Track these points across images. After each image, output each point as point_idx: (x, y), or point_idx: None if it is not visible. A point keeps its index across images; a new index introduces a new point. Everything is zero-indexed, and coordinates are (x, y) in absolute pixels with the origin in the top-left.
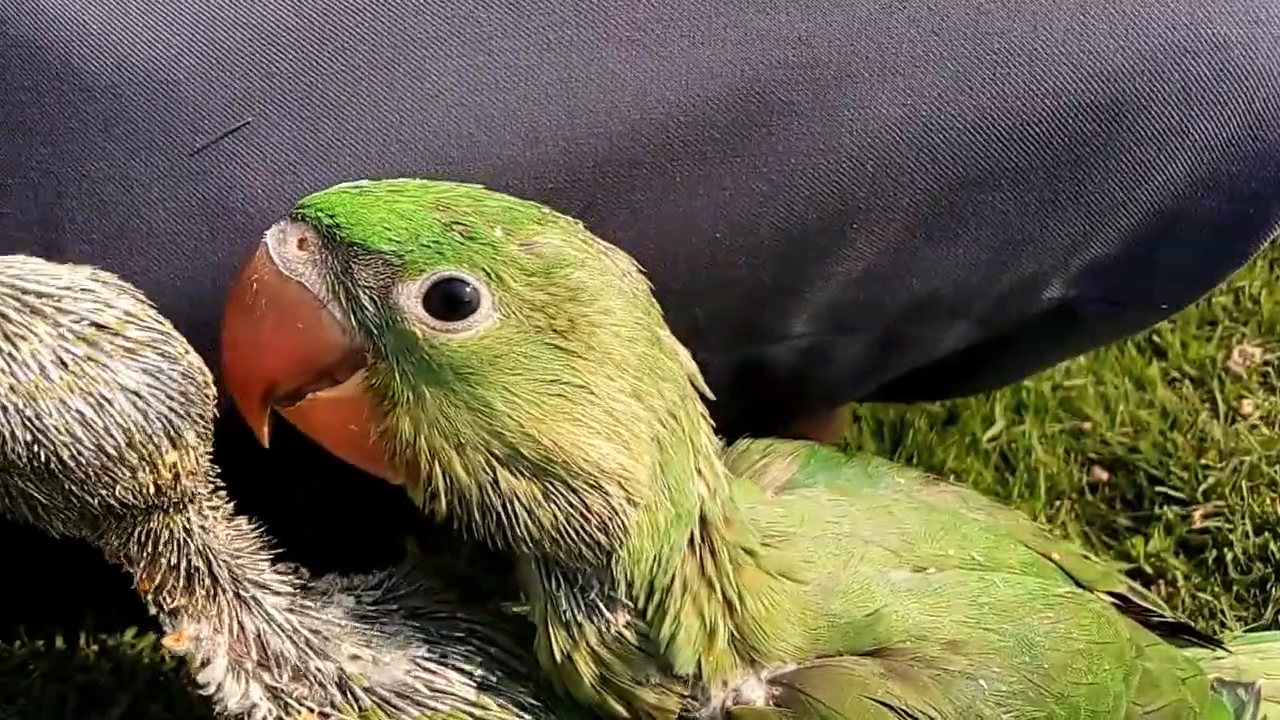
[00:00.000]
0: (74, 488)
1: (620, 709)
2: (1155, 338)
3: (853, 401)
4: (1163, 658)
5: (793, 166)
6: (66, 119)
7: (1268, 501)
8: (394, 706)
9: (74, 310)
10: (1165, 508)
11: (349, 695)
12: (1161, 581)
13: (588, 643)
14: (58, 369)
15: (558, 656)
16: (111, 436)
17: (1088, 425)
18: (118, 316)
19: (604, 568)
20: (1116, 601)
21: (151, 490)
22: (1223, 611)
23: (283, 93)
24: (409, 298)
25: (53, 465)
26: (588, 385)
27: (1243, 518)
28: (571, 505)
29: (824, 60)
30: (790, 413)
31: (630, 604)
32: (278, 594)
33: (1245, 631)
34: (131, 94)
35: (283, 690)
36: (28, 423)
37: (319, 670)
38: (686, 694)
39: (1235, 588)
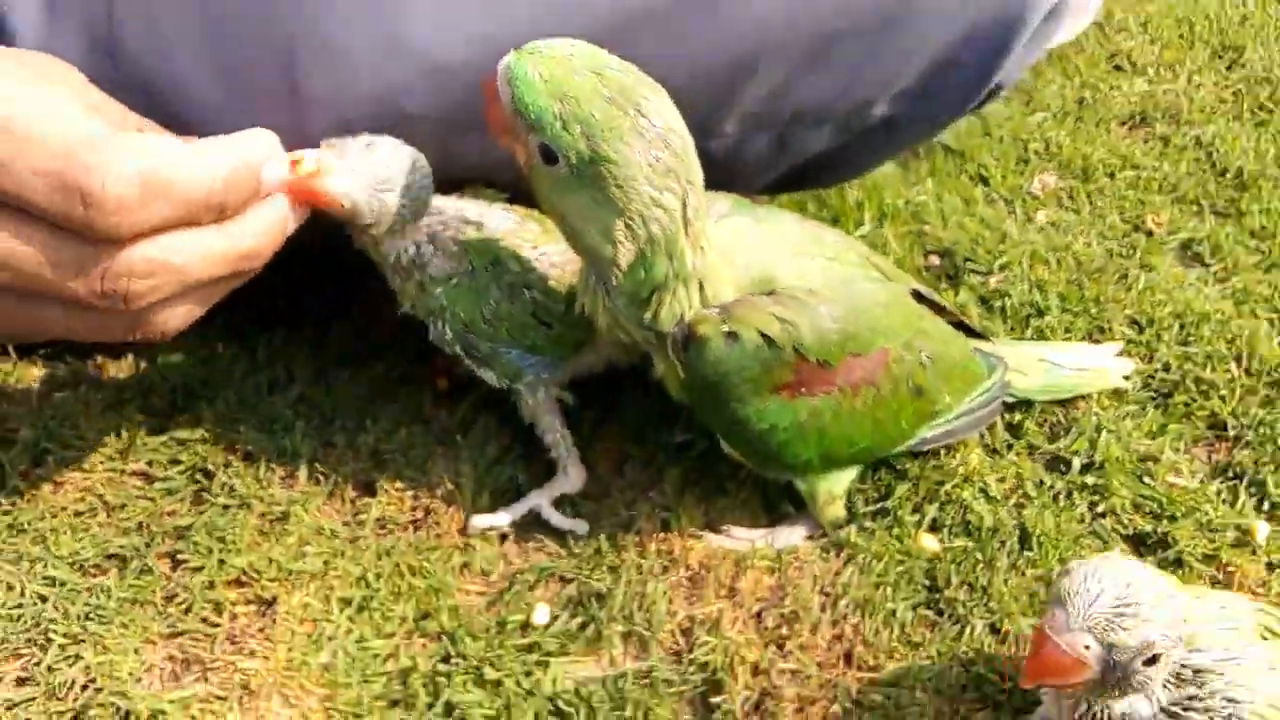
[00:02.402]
0: None
1: (622, 336)
2: (982, 170)
3: (759, 189)
4: (937, 324)
5: (723, 32)
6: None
7: (1040, 271)
8: None
9: None
10: (972, 276)
11: None
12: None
13: (604, 306)
14: None
15: (588, 309)
16: None
17: (928, 227)
18: None
19: (611, 280)
20: (914, 291)
21: None
22: (997, 334)
23: None
24: (534, 143)
25: None
26: (600, 209)
27: (1021, 280)
28: (591, 255)
29: None
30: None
31: (626, 296)
32: None
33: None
34: None
35: None
36: None
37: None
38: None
39: (1010, 321)
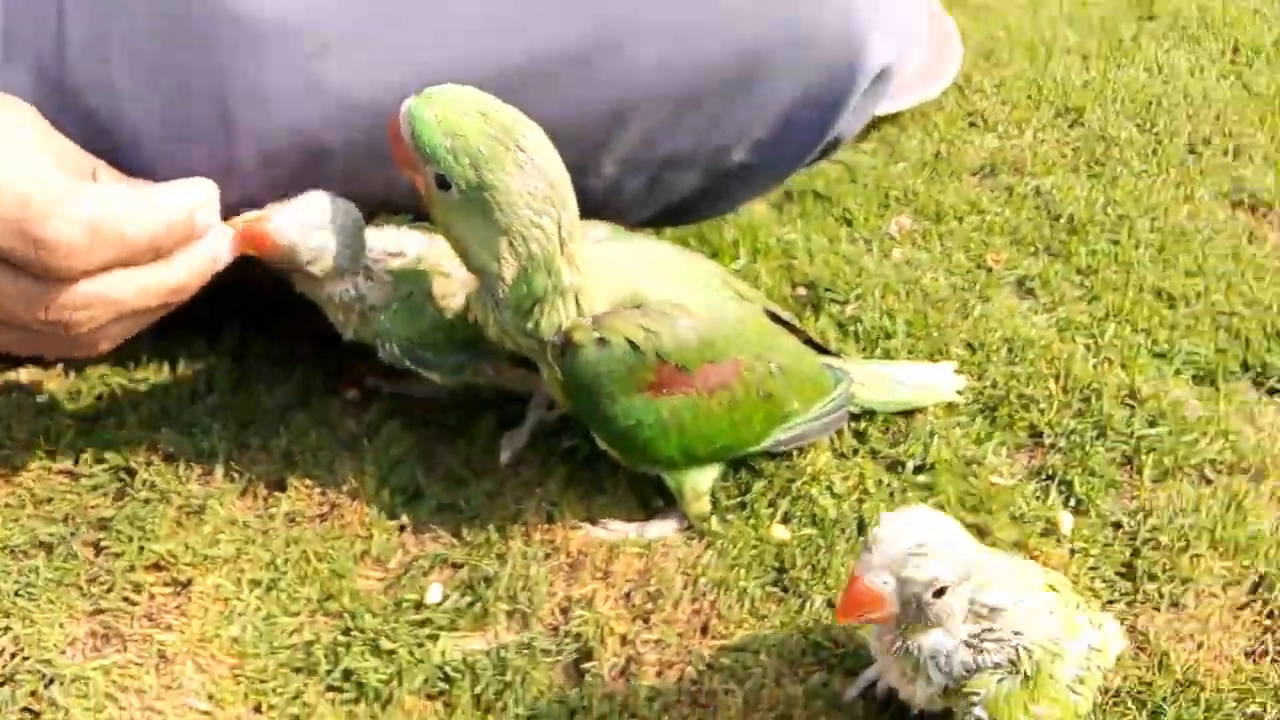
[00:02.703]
0: None
1: (509, 344)
2: (847, 213)
3: (640, 223)
4: (788, 340)
5: (600, 88)
6: (230, 45)
7: (890, 301)
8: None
9: None
10: (832, 305)
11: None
12: (832, 356)
13: (493, 317)
14: None
15: (480, 320)
16: None
17: (796, 262)
18: None
19: (498, 294)
20: (768, 310)
21: None
22: (849, 354)
23: (360, 21)
24: (430, 173)
25: None
26: (486, 231)
27: (873, 309)
28: (479, 270)
29: (613, 31)
30: None
31: (511, 308)
32: None
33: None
34: (271, 29)
35: None
36: None
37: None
38: (547, 339)
39: (862, 343)
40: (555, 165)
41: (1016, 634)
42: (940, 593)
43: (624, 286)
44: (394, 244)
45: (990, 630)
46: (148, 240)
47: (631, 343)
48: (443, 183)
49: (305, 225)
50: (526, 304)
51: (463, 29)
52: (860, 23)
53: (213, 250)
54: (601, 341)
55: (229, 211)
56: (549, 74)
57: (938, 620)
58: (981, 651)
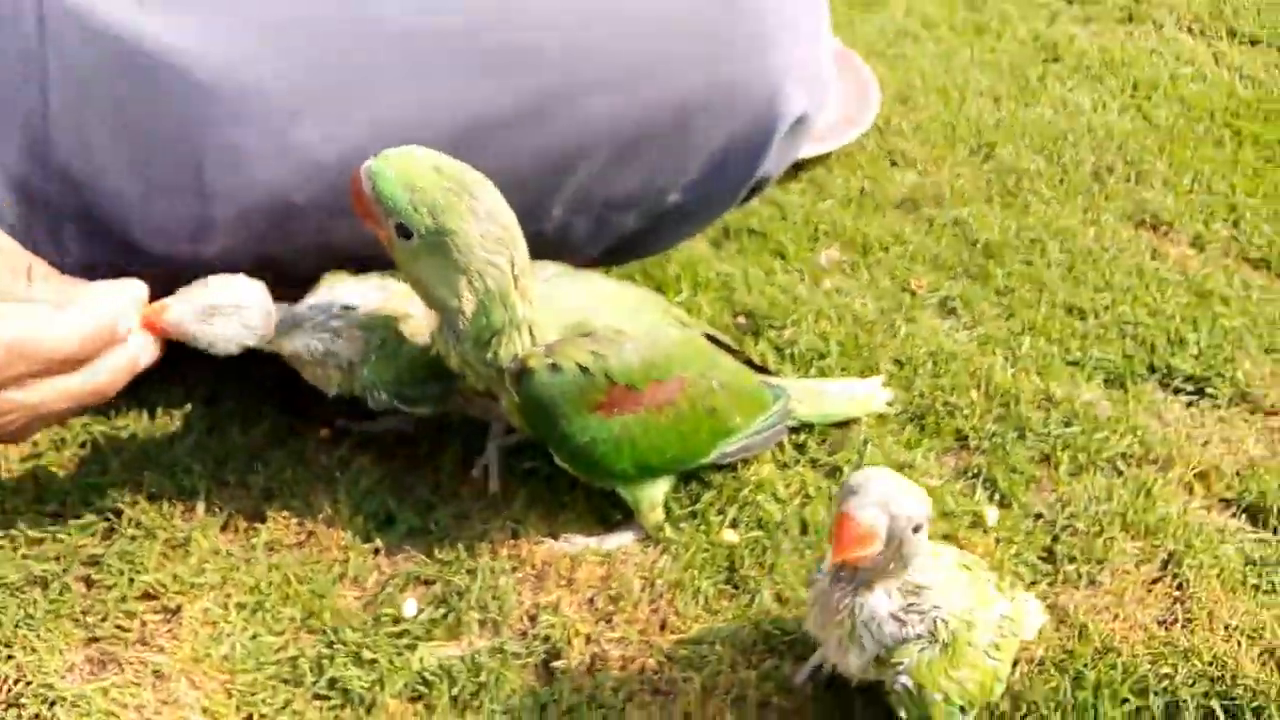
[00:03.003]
0: None
1: (470, 375)
2: (780, 248)
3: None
4: (727, 360)
5: (548, 140)
6: (204, 114)
7: (824, 325)
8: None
9: None
10: (770, 331)
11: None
12: (770, 375)
13: (454, 350)
14: None
15: (441, 353)
16: None
17: (735, 294)
18: None
19: (459, 328)
20: (707, 335)
21: None
22: (785, 373)
23: (328, 88)
24: (392, 224)
25: None
26: (446, 270)
27: (808, 333)
28: (442, 308)
29: (562, 87)
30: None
31: (471, 340)
32: None
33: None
34: (236, 96)
35: None
36: None
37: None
38: (505, 368)
39: (798, 364)
40: (505, 210)
41: (935, 607)
42: (918, 529)
43: (573, 317)
44: (350, 297)
45: (914, 605)
46: (62, 356)
47: (582, 366)
48: (404, 231)
49: (200, 312)
50: (485, 335)
51: (422, 91)
52: (779, 75)
53: (133, 354)
54: (554, 367)
55: (203, 268)
56: (502, 128)
57: (908, 561)
58: (905, 624)
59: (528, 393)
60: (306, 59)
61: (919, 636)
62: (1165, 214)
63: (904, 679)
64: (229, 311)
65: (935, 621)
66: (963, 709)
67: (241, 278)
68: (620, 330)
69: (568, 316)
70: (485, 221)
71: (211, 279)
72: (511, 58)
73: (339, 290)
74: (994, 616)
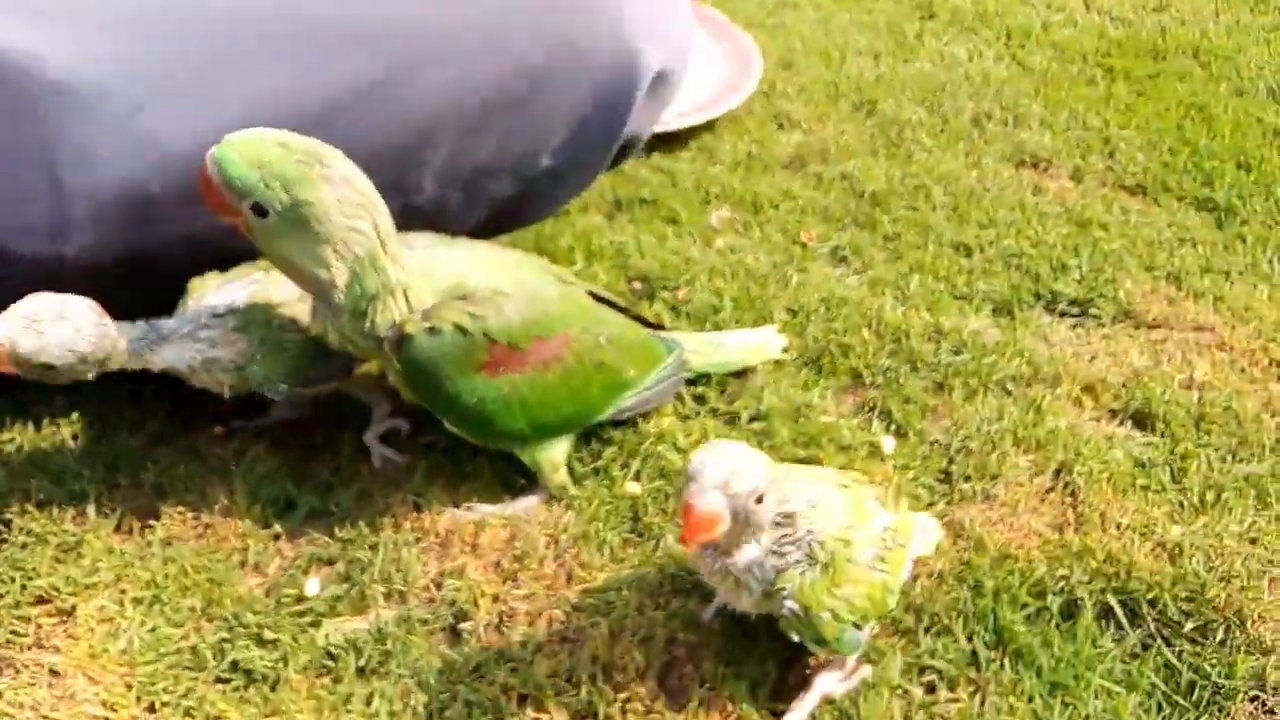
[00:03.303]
0: None
1: (350, 349)
2: (672, 213)
3: (469, 232)
4: (612, 315)
5: (403, 112)
6: (53, 114)
7: (717, 282)
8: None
9: None
10: (664, 292)
11: None
12: (662, 330)
13: (331, 326)
14: None
15: (318, 332)
16: None
17: (630, 260)
18: None
19: (334, 301)
20: (591, 292)
21: None
22: (682, 330)
23: (170, 79)
24: (246, 206)
25: None
26: (309, 243)
27: (702, 290)
28: (314, 284)
29: (399, 63)
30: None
31: (348, 312)
32: None
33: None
34: (83, 93)
35: None
36: None
37: None
38: (383, 337)
39: (693, 321)
40: (360, 176)
41: (809, 532)
42: (760, 499)
43: (450, 281)
44: (222, 304)
45: (787, 535)
46: None
47: (459, 327)
48: (260, 210)
49: (25, 322)
50: (361, 305)
51: (262, 76)
52: (631, 37)
53: None
54: (432, 330)
55: (68, 267)
56: (344, 108)
57: (758, 527)
58: (783, 555)
59: (408, 358)
60: (147, 53)
61: (797, 562)
62: (1043, 152)
63: (790, 603)
64: (53, 318)
65: (810, 545)
66: (856, 625)
67: (66, 295)
68: (498, 290)
69: (444, 281)
70: (341, 187)
71: (29, 297)
72: (339, 39)
73: (208, 298)
74: (875, 530)
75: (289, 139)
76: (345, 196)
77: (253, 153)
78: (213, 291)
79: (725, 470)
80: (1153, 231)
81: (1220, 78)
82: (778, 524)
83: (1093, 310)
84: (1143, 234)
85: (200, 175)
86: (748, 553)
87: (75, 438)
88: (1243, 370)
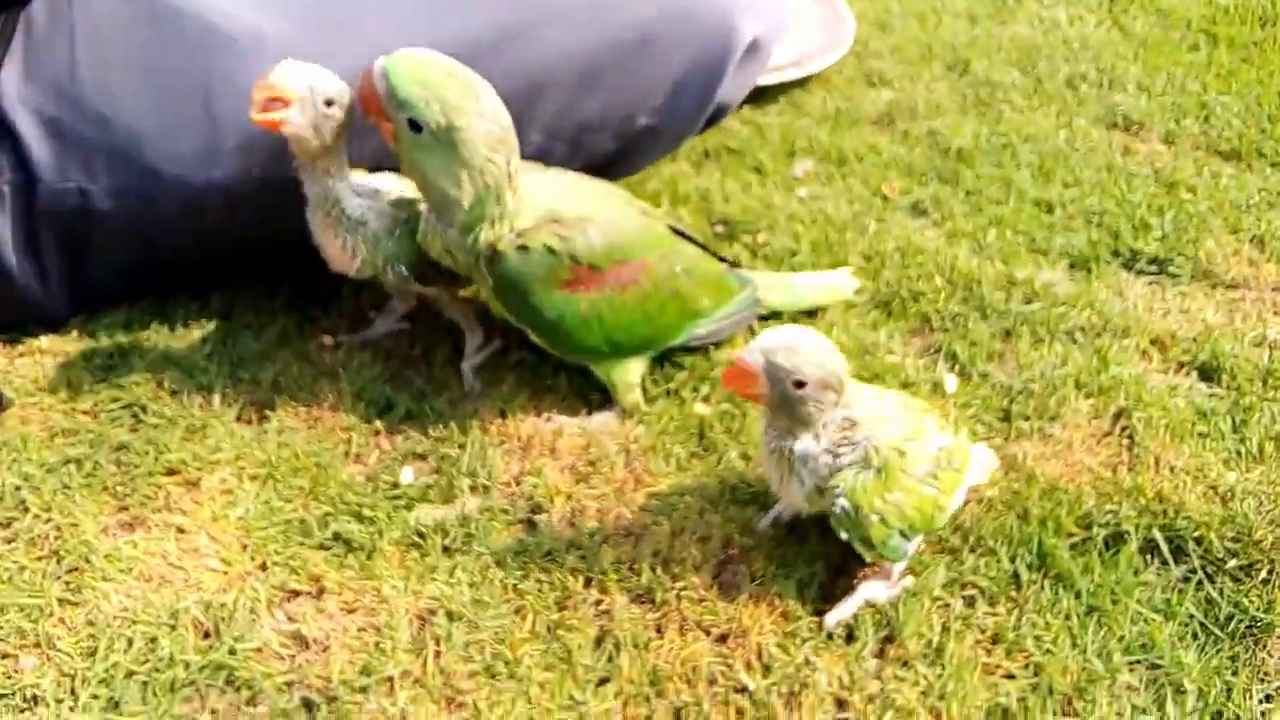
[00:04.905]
0: None
1: (447, 259)
2: (757, 163)
3: None
4: (689, 248)
5: (519, 65)
6: (213, 51)
7: (796, 228)
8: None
9: None
10: (745, 235)
11: None
12: (738, 267)
13: (439, 237)
14: None
15: (426, 241)
16: None
17: (713, 205)
18: None
19: (451, 217)
20: (672, 226)
21: None
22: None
23: (312, 29)
24: (403, 119)
25: None
26: (451, 164)
27: (782, 234)
28: (440, 198)
29: (522, 19)
30: None
31: (459, 227)
32: None
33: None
34: (247, 36)
35: None
36: None
37: None
38: (479, 252)
39: (771, 263)
40: (505, 114)
41: (867, 438)
42: (800, 385)
43: (543, 207)
44: (385, 185)
45: (847, 437)
46: None
47: (549, 248)
48: (415, 126)
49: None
50: (475, 224)
51: (391, 30)
52: (730, 4)
53: None
54: (522, 249)
55: (215, 190)
56: (474, 55)
57: (806, 419)
58: (839, 455)
59: (499, 273)
60: (301, 3)
61: (853, 464)
62: (1137, 115)
63: (842, 501)
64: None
65: (867, 449)
66: (904, 534)
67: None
68: (585, 216)
69: (539, 207)
70: (489, 120)
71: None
72: None
73: (373, 177)
74: (930, 448)
75: (454, 66)
76: (491, 131)
77: (420, 72)
78: (373, 175)
79: (777, 342)
80: (1241, 195)
81: None
82: (842, 428)
83: (1171, 269)
84: (1230, 197)
85: (363, 81)
86: (805, 444)
87: (205, 340)
88: None
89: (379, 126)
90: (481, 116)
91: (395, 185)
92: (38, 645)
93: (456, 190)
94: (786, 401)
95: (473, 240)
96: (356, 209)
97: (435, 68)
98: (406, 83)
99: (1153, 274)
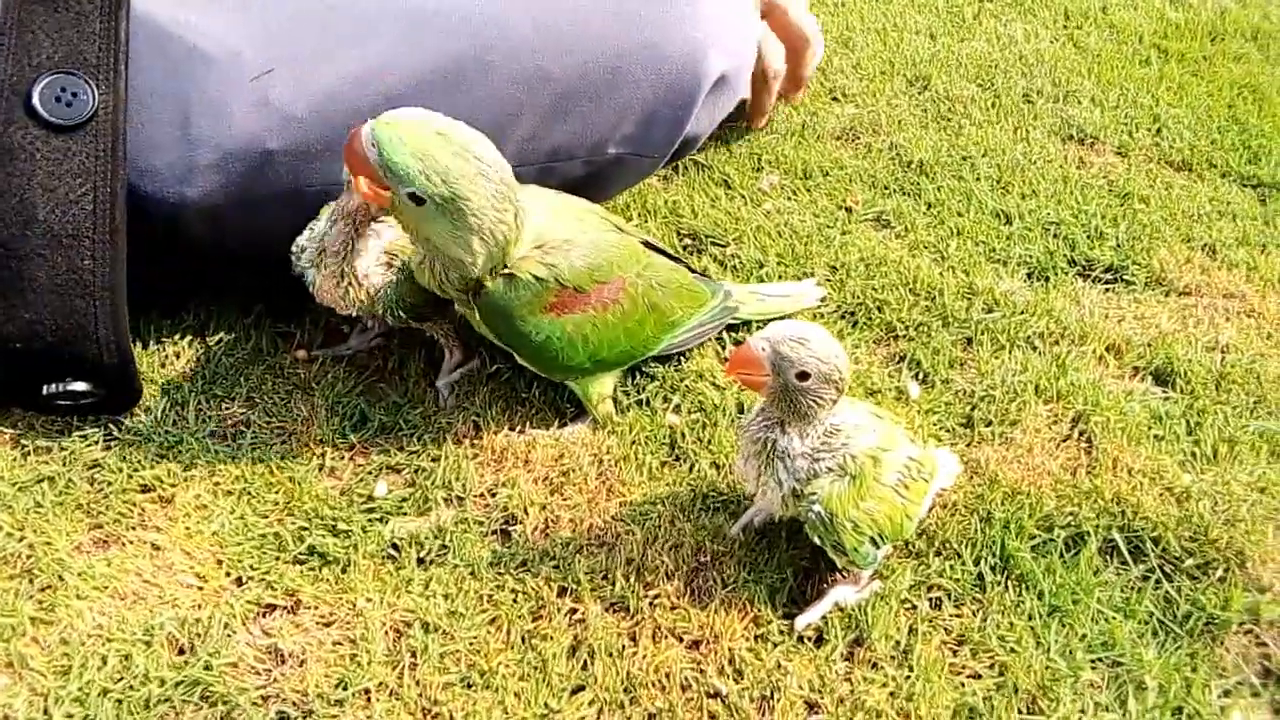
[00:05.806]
0: None
1: (439, 292)
2: (725, 177)
3: None
4: (662, 261)
5: (490, 94)
6: (191, 71)
7: (764, 240)
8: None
9: None
10: (713, 248)
11: None
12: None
13: (435, 278)
14: None
15: (421, 279)
16: None
17: (682, 218)
18: None
19: (468, 272)
20: (643, 241)
21: None
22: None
23: (293, 48)
24: (403, 192)
25: None
26: (460, 231)
27: (749, 247)
28: (451, 261)
29: (489, 50)
30: None
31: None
32: None
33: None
34: (225, 56)
35: None
36: None
37: None
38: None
39: (739, 275)
40: (500, 159)
41: (844, 445)
42: (803, 376)
43: (529, 231)
44: (388, 241)
45: (827, 444)
46: None
47: (536, 276)
48: (417, 199)
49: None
50: (482, 276)
51: (366, 56)
52: (700, 40)
53: None
54: (509, 277)
55: (188, 207)
56: (441, 85)
57: (804, 413)
58: (817, 460)
59: (486, 303)
60: (277, 27)
61: (829, 470)
62: (1091, 128)
63: (817, 507)
64: None
65: (844, 456)
66: (875, 541)
67: None
68: (568, 240)
69: (527, 232)
70: (493, 181)
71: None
72: (439, 26)
73: (379, 238)
74: (901, 457)
75: (444, 126)
76: (496, 191)
77: (415, 141)
78: (377, 233)
79: (784, 334)
80: (1193, 205)
81: (1277, 60)
82: (821, 434)
83: (1126, 277)
84: (1183, 207)
85: (350, 145)
86: (791, 440)
87: (178, 355)
88: (1269, 335)
89: (366, 192)
90: (484, 176)
91: (388, 232)
92: (10, 665)
93: (470, 256)
94: (788, 393)
95: (459, 277)
96: (362, 267)
97: (427, 133)
98: (401, 153)
99: (1108, 282)
